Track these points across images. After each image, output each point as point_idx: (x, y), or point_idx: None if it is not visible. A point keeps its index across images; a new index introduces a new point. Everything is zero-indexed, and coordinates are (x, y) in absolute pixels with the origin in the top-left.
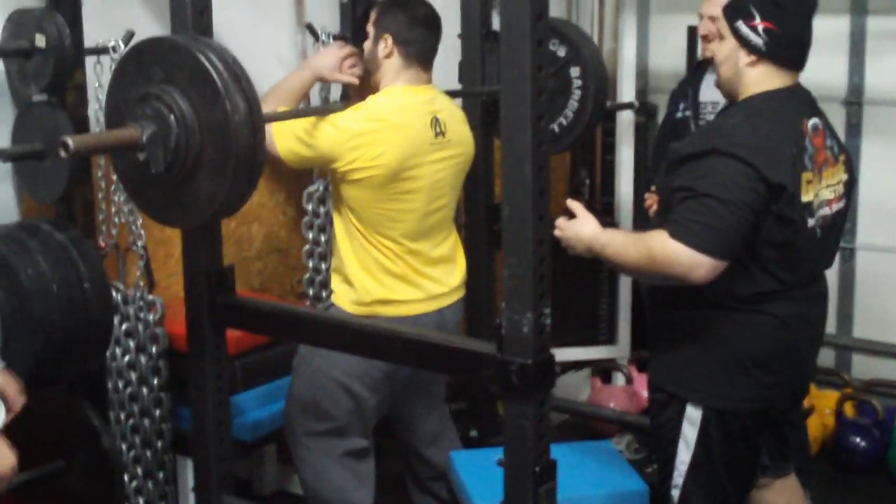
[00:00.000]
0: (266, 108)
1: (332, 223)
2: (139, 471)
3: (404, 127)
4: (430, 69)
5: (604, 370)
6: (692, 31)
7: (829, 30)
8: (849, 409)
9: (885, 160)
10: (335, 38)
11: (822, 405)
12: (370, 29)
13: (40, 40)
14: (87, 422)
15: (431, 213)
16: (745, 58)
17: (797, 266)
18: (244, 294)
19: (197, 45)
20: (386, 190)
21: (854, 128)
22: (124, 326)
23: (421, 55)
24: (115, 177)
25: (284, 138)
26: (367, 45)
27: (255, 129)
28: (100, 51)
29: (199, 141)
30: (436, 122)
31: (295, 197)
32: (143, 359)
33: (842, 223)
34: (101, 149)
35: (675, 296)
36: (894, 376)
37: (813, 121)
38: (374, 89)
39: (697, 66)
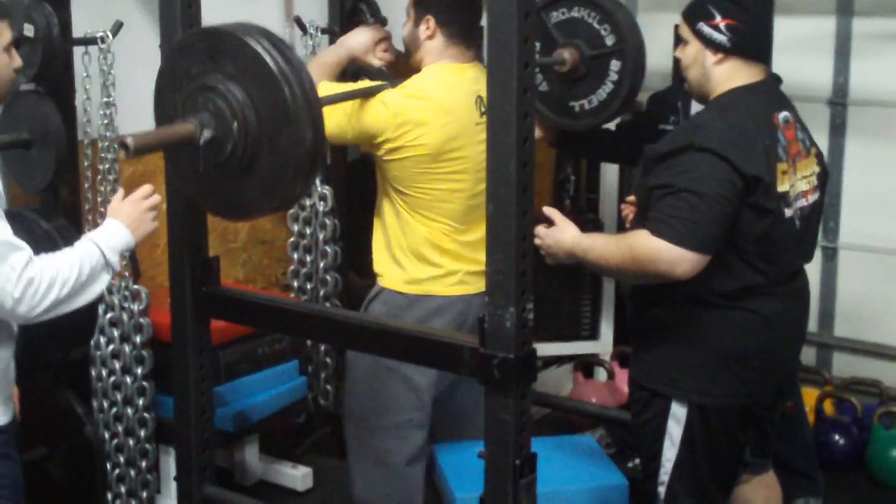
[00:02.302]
0: None
1: (317, 216)
2: (121, 459)
3: (450, 106)
4: (474, 46)
5: (586, 365)
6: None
7: (814, 30)
8: (828, 407)
9: (869, 160)
10: (323, 31)
11: (802, 399)
12: (410, 10)
13: (28, 30)
14: (71, 410)
15: (478, 195)
16: (711, 57)
17: (776, 258)
18: (229, 285)
19: (249, 32)
20: (430, 170)
21: (838, 128)
22: (109, 316)
23: (464, 34)
24: (101, 166)
25: (332, 117)
26: (408, 26)
27: (315, 115)
28: (88, 41)
29: (259, 131)
30: (480, 101)
31: None
32: (127, 348)
33: (818, 215)
34: (161, 146)
35: (658, 293)
36: (874, 375)
37: (783, 114)
38: (408, 72)
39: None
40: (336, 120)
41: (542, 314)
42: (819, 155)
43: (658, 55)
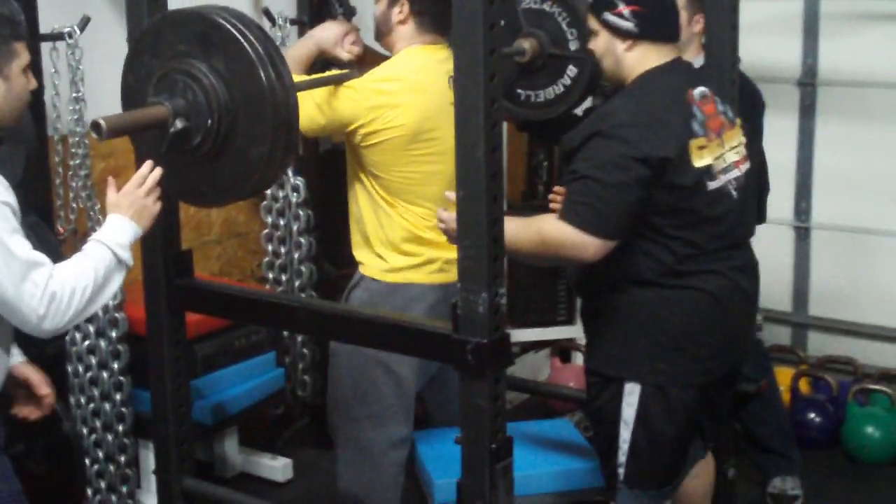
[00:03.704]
0: None
1: (290, 207)
2: (100, 454)
3: (423, 86)
4: (447, 32)
5: (563, 350)
6: None
7: (782, 11)
8: (804, 386)
9: (839, 140)
10: (292, 21)
11: (778, 382)
12: None
13: None
14: None
15: None
16: (620, 45)
17: (708, 228)
18: (204, 278)
19: (219, 13)
20: (408, 152)
21: (808, 109)
22: None
23: (436, 22)
24: (72, 162)
25: (304, 108)
26: (381, 6)
27: (289, 94)
28: (55, 37)
29: (233, 111)
30: (452, 81)
31: None
32: (102, 343)
33: (754, 184)
34: (133, 128)
35: (601, 279)
36: (848, 353)
37: (699, 89)
38: (374, 61)
39: None
40: (308, 111)
41: (518, 300)
42: (743, 126)
43: None
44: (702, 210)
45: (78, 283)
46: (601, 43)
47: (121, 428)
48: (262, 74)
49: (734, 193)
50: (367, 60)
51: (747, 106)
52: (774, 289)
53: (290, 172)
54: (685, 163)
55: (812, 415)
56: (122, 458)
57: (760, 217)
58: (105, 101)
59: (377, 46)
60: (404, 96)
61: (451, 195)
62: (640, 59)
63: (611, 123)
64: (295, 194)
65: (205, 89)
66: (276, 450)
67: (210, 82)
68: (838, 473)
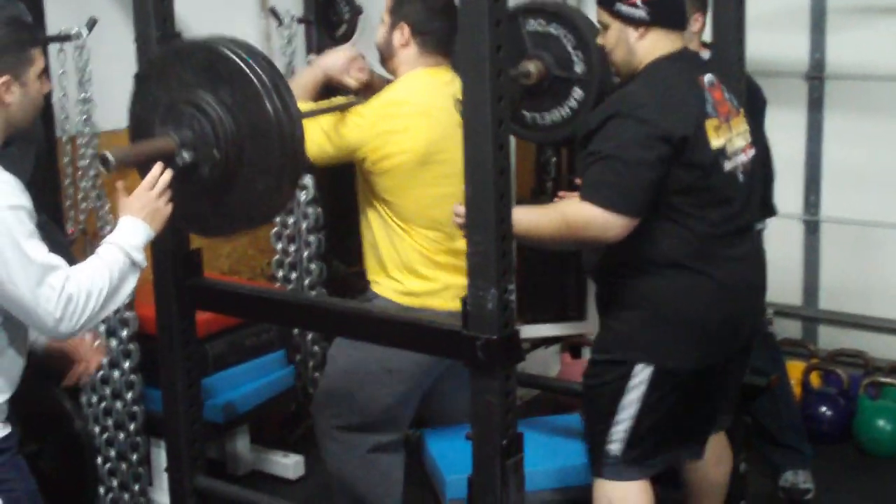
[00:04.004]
0: None
1: (299, 205)
2: (112, 453)
3: (429, 109)
4: (450, 54)
5: (573, 346)
6: None
7: (789, 5)
8: (815, 380)
9: (847, 134)
10: (299, 20)
11: (789, 376)
12: (386, 16)
13: None
14: (59, 405)
15: None
16: (633, 34)
17: (723, 209)
18: (213, 277)
19: (225, 44)
20: (419, 176)
21: (816, 102)
22: None
23: (439, 44)
24: (81, 162)
25: (312, 137)
26: (382, 31)
27: (296, 125)
28: (63, 38)
29: (240, 142)
30: (458, 103)
31: None
32: (113, 342)
33: (760, 170)
34: (140, 160)
35: (615, 267)
36: (859, 346)
37: (708, 76)
38: (377, 88)
39: None
40: (316, 140)
41: (528, 296)
42: (746, 114)
43: None
44: (718, 189)
45: (94, 286)
46: (613, 34)
47: (132, 426)
48: (269, 106)
49: (741, 177)
50: (374, 86)
51: (750, 102)
52: (784, 283)
53: None
54: (703, 142)
55: (823, 408)
56: (134, 457)
57: (770, 210)
58: (113, 101)
59: (383, 71)
60: (411, 120)
61: (460, 208)
62: (651, 47)
63: (630, 104)
64: (303, 192)
65: (211, 121)
66: (287, 447)
67: (217, 114)
68: (850, 467)
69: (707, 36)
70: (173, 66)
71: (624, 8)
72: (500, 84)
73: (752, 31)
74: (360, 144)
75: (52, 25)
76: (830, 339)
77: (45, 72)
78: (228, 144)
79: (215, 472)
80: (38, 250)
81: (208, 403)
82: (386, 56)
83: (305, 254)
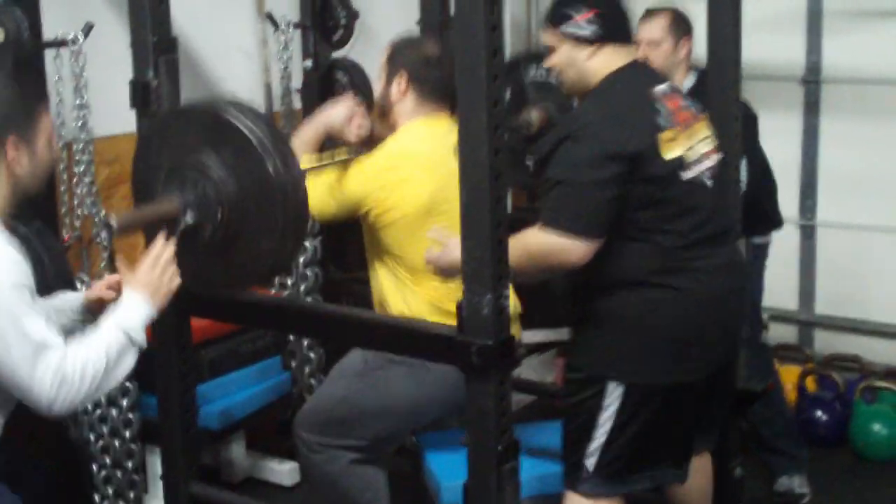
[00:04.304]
0: None
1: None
2: (107, 460)
3: (430, 160)
4: (448, 103)
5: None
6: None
7: (786, 8)
8: (810, 384)
9: (844, 138)
10: (296, 26)
11: (785, 380)
12: (382, 69)
13: None
14: None
15: None
16: (583, 53)
17: (688, 219)
18: None
19: (226, 106)
20: (424, 227)
21: (812, 106)
22: None
23: (436, 93)
24: (76, 168)
25: (315, 192)
26: (380, 84)
27: (298, 185)
28: (59, 43)
29: (242, 204)
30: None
31: None
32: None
33: (729, 174)
34: (144, 223)
35: (590, 285)
36: (854, 350)
37: (661, 87)
38: (379, 139)
39: None
40: (319, 196)
41: (523, 302)
42: (708, 118)
43: None
44: (679, 200)
45: (88, 367)
46: (562, 56)
47: (128, 434)
48: (270, 168)
49: (709, 183)
50: (375, 139)
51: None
52: (780, 287)
53: None
54: (656, 156)
55: (819, 413)
56: (130, 464)
57: (775, 223)
58: (109, 107)
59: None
60: (413, 171)
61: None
62: (602, 63)
63: (579, 125)
64: None
65: (214, 182)
66: (283, 454)
67: (219, 175)
68: (846, 471)
69: (703, 39)
70: (175, 128)
71: (572, 28)
72: (495, 87)
73: (748, 34)
74: (363, 197)
75: (49, 30)
76: (826, 343)
77: (37, 74)
78: (231, 206)
79: (211, 479)
80: (38, 329)
81: (204, 410)
82: (386, 108)
83: (301, 260)
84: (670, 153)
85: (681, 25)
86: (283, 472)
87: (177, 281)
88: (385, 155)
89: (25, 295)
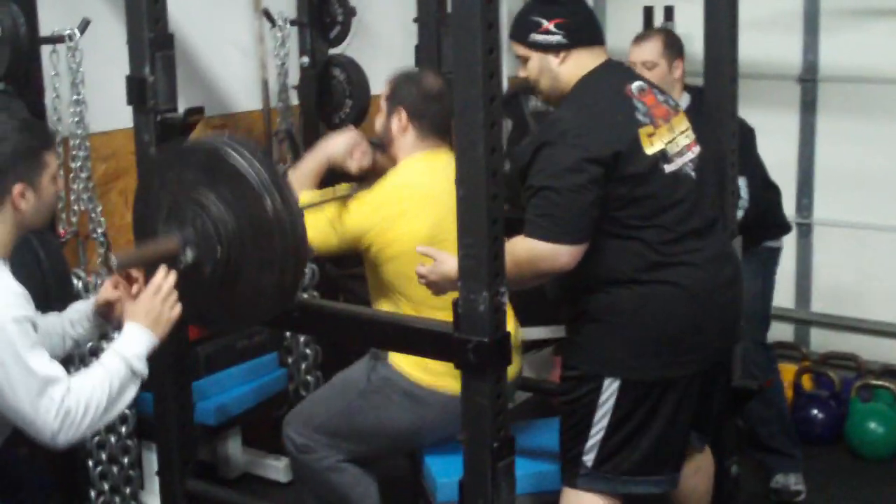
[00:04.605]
0: None
1: None
2: (103, 456)
3: (430, 193)
4: (448, 136)
5: None
6: (648, 12)
7: (782, 7)
8: (807, 382)
9: (841, 137)
10: (292, 22)
11: (781, 378)
12: (383, 104)
13: None
14: None
15: None
16: (554, 60)
17: (672, 212)
18: None
19: (223, 143)
20: (424, 262)
21: (809, 105)
22: None
23: (436, 128)
24: (73, 164)
25: (316, 227)
26: (381, 119)
27: (296, 222)
28: (56, 39)
29: (242, 240)
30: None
31: None
32: (104, 345)
33: (711, 165)
34: (145, 262)
35: (581, 285)
36: (851, 349)
37: (636, 83)
38: (381, 171)
39: None
40: (321, 230)
41: (520, 299)
42: (685, 113)
43: (628, 38)
44: (661, 194)
45: (92, 399)
46: (534, 65)
47: (123, 430)
48: (269, 204)
49: (693, 174)
50: (377, 170)
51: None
52: (777, 285)
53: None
54: (638, 151)
55: (815, 411)
56: (126, 460)
57: (786, 227)
58: (105, 103)
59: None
60: (413, 203)
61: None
62: (574, 68)
63: (557, 131)
64: None
65: (213, 219)
66: (279, 450)
67: (218, 212)
68: (841, 469)
69: (700, 39)
70: (174, 165)
71: (539, 37)
72: (491, 84)
73: (744, 33)
74: (364, 232)
75: (45, 26)
76: (822, 341)
77: (34, 70)
78: (231, 242)
79: (207, 475)
80: (41, 363)
81: (200, 406)
82: (386, 143)
83: None
84: (652, 147)
85: (674, 47)
86: (279, 468)
87: (178, 310)
88: (385, 189)
89: (28, 328)
